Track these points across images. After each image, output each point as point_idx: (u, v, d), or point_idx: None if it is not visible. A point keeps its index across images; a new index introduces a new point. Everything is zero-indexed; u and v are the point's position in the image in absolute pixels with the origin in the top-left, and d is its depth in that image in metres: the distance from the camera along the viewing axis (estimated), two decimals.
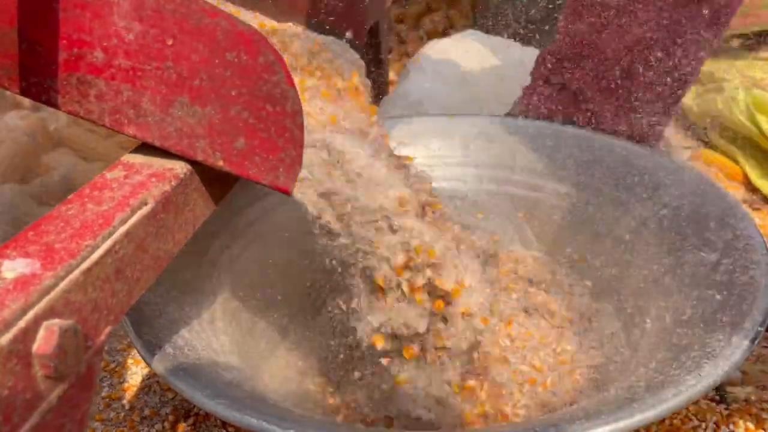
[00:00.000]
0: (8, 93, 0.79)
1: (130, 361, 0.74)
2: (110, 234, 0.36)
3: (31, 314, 0.29)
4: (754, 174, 1.11)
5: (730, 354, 0.45)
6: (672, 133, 1.32)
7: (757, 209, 1.06)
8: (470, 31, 1.26)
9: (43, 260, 0.32)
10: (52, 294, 0.30)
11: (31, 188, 1.02)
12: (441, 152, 0.71)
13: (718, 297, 0.54)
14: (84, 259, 0.33)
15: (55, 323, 0.30)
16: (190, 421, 0.66)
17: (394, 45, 1.66)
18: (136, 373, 0.72)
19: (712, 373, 0.44)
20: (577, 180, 0.77)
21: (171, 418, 0.66)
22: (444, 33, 1.64)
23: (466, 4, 1.73)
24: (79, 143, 1.17)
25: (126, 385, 0.71)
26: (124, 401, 0.69)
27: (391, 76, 1.39)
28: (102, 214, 0.37)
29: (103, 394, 0.70)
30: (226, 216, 0.70)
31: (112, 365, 0.73)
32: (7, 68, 0.43)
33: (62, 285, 0.31)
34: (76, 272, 0.32)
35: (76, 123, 1.21)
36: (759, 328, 0.48)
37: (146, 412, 0.67)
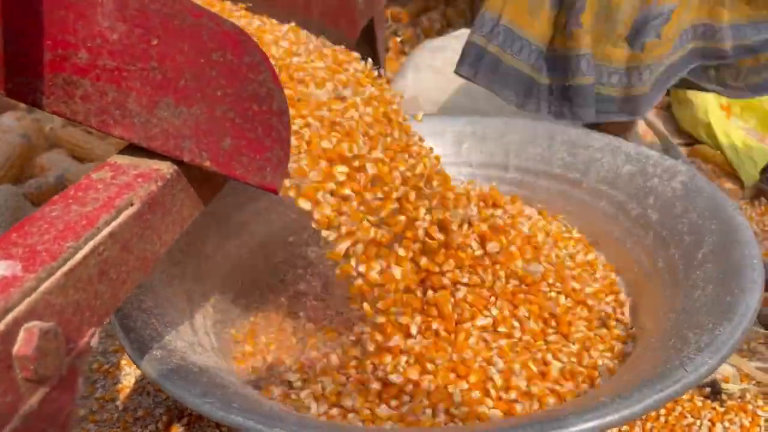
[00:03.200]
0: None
1: (123, 362, 0.74)
2: (94, 235, 0.36)
3: (10, 317, 0.29)
4: (742, 171, 1.12)
5: (717, 348, 0.45)
6: (669, 130, 1.32)
7: (748, 203, 1.07)
8: (467, 30, 1.26)
9: (25, 262, 0.32)
10: (33, 296, 0.30)
11: (26, 189, 1.02)
12: (435, 151, 0.71)
13: (707, 290, 0.53)
14: (66, 260, 0.33)
15: (35, 325, 0.30)
16: (184, 421, 0.66)
17: (391, 43, 1.66)
18: (129, 374, 0.72)
19: (699, 368, 0.44)
20: (572, 179, 0.77)
21: (164, 418, 0.66)
22: (441, 31, 1.64)
23: (463, 3, 1.73)
24: (74, 144, 1.17)
25: (119, 386, 0.71)
26: (118, 402, 0.69)
27: (388, 74, 1.38)
28: (86, 215, 0.37)
29: (97, 395, 0.70)
30: (218, 216, 0.70)
31: (106, 366, 0.73)
32: None
33: (43, 287, 0.31)
34: (58, 274, 0.32)
35: (72, 124, 1.21)
36: (747, 323, 0.47)
37: (140, 413, 0.67)
